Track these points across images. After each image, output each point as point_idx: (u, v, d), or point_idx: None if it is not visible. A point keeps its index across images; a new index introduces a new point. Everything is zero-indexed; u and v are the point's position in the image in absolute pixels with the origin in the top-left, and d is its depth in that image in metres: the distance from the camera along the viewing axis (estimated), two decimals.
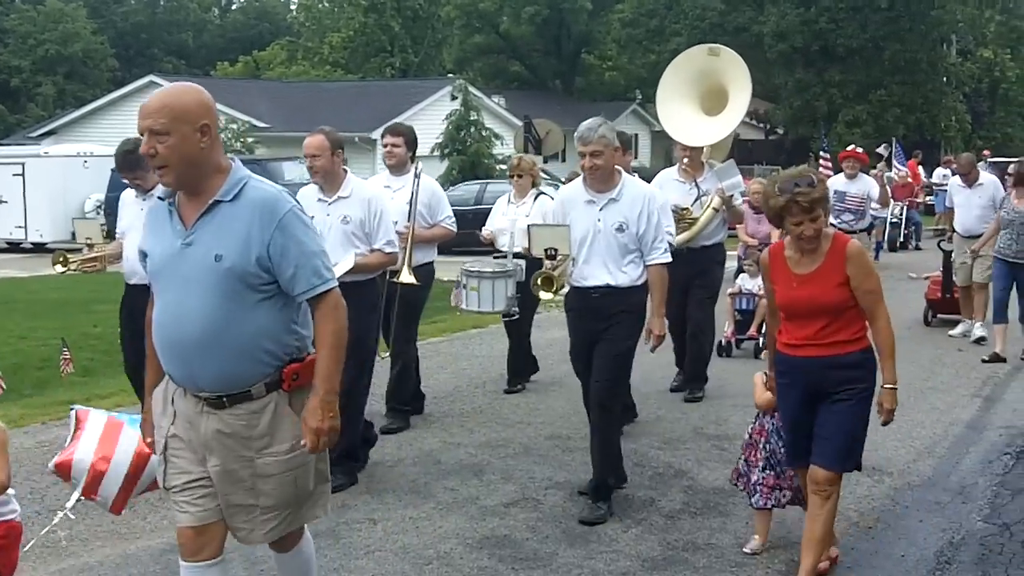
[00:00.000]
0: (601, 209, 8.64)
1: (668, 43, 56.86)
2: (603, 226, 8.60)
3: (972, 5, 58.17)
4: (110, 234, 10.46)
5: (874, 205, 28.17)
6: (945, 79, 59.15)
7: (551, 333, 14.83)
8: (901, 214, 30.95)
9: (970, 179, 16.56)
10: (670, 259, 8.85)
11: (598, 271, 8.62)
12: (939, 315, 17.48)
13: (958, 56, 61.29)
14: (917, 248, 30.93)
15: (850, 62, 56.27)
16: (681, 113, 13.19)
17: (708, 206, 12.30)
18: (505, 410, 11.88)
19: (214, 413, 5.26)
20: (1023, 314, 14.87)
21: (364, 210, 9.15)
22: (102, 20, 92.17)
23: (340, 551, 7.75)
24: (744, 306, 15.64)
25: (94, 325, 17.48)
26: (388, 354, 11.12)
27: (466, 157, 39.89)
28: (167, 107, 5.06)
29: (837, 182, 17.72)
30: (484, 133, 41.33)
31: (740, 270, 16.64)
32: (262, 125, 48.20)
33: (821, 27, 54.84)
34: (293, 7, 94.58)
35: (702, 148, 12.63)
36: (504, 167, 40.07)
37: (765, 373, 7.58)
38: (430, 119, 43.59)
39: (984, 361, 14.50)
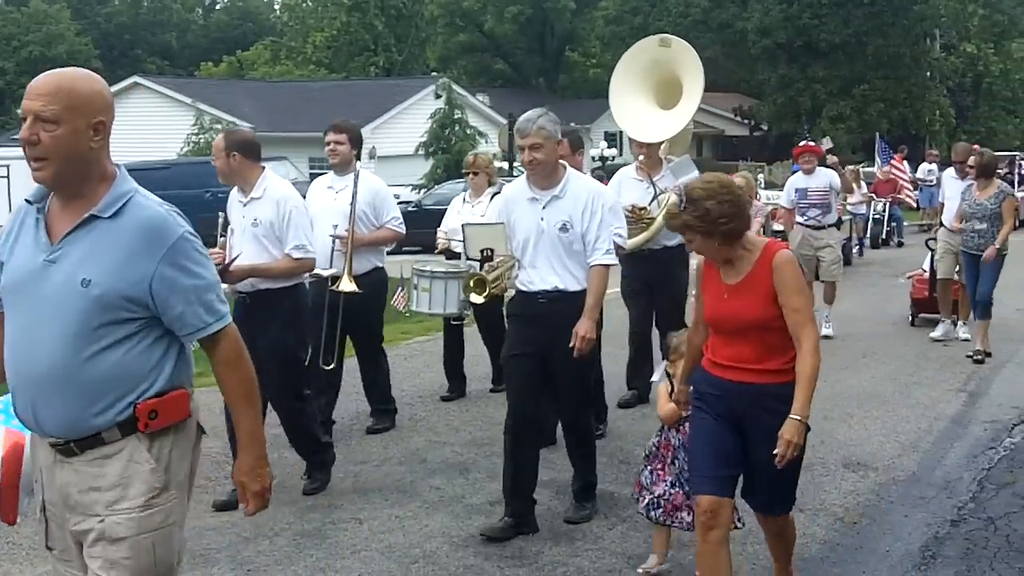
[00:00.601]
0: (544, 207, 8.10)
1: None
2: (547, 225, 8.06)
3: None
4: None
5: (853, 201, 28.40)
6: (928, 74, 59.35)
7: None
8: (883, 210, 30.95)
9: (965, 169, 15.98)
10: (614, 261, 8.28)
11: (545, 274, 8.08)
12: (924, 314, 17.08)
13: (941, 51, 61.49)
14: (900, 245, 30.93)
15: (833, 57, 56.42)
16: (635, 108, 12.36)
17: (665, 205, 11.28)
18: (491, 409, 11.86)
19: (67, 462, 4.41)
20: (977, 307, 14.83)
21: (274, 212, 8.65)
22: (86, 21, 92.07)
23: (326, 551, 7.76)
24: None
25: None
26: (332, 367, 10.38)
27: (451, 156, 39.78)
28: (63, 92, 4.23)
29: (797, 180, 16.91)
30: (468, 131, 41.24)
31: None
32: (246, 125, 48.03)
33: (804, 23, 54.98)
34: (276, 7, 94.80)
35: (659, 144, 11.97)
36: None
37: (669, 380, 7.18)
38: (414, 118, 43.63)
39: (969, 357, 14.36)
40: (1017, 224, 17.45)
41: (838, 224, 17.22)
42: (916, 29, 57.76)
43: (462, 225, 9.30)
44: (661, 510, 7.16)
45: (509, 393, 8.31)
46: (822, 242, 16.38)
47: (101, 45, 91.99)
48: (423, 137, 39.84)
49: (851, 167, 31.63)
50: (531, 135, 7.87)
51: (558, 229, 8.04)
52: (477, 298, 8.40)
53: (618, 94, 12.45)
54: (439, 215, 13.38)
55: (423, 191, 37.34)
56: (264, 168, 8.91)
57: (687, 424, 6.86)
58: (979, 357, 14.29)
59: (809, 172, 16.66)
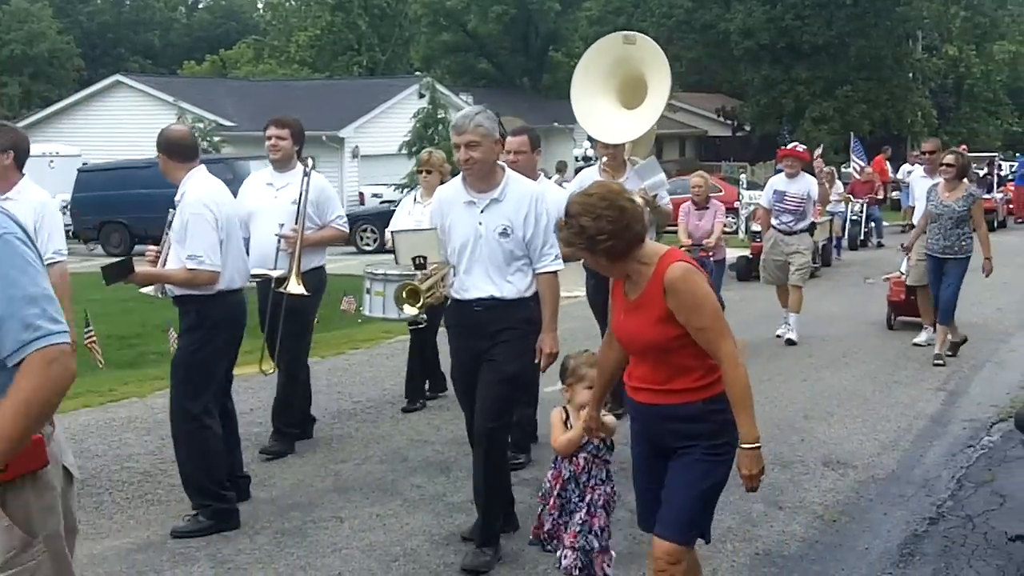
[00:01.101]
0: (483, 211, 7.53)
1: None
2: (485, 230, 7.50)
3: (937, 1, 58.46)
4: (77, 235, 10.07)
5: (833, 197, 28.44)
6: (911, 75, 59.44)
7: None
8: (861, 211, 30.97)
9: (934, 164, 15.63)
10: (561, 266, 7.67)
11: (481, 281, 7.54)
12: (901, 317, 16.93)
13: (924, 52, 61.58)
14: (880, 245, 30.92)
15: (816, 59, 56.49)
16: (598, 108, 11.79)
17: None
18: None
19: None
20: (941, 312, 14.50)
21: (179, 217, 8.06)
22: (68, 20, 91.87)
23: (307, 549, 7.76)
24: None
25: None
26: (273, 371, 10.21)
27: None
28: None
29: (777, 181, 16.68)
30: None
31: None
32: (228, 124, 48.00)
33: (787, 24, 55.03)
34: (260, 6, 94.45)
35: (623, 145, 11.46)
36: None
37: (565, 409, 6.81)
38: (398, 117, 43.53)
39: (948, 355, 14.30)
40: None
41: (811, 230, 16.90)
42: (898, 31, 57.85)
43: (391, 232, 8.92)
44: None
45: (462, 407, 8.02)
46: (792, 248, 16.23)
47: (83, 43, 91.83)
48: (406, 136, 39.77)
49: (826, 168, 31.71)
50: (468, 132, 7.36)
51: (498, 234, 7.51)
52: (411, 309, 8.17)
53: (581, 94, 11.95)
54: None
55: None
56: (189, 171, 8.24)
57: (582, 455, 6.66)
58: (939, 362, 14.13)
59: (791, 176, 16.38)
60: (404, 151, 39.19)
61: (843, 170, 35.93)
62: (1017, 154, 51.32)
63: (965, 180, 14.53)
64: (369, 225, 35.39)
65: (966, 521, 8.23)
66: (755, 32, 55.35)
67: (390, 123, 46.61)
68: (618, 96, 11.73)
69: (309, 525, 8.24)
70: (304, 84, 61.06)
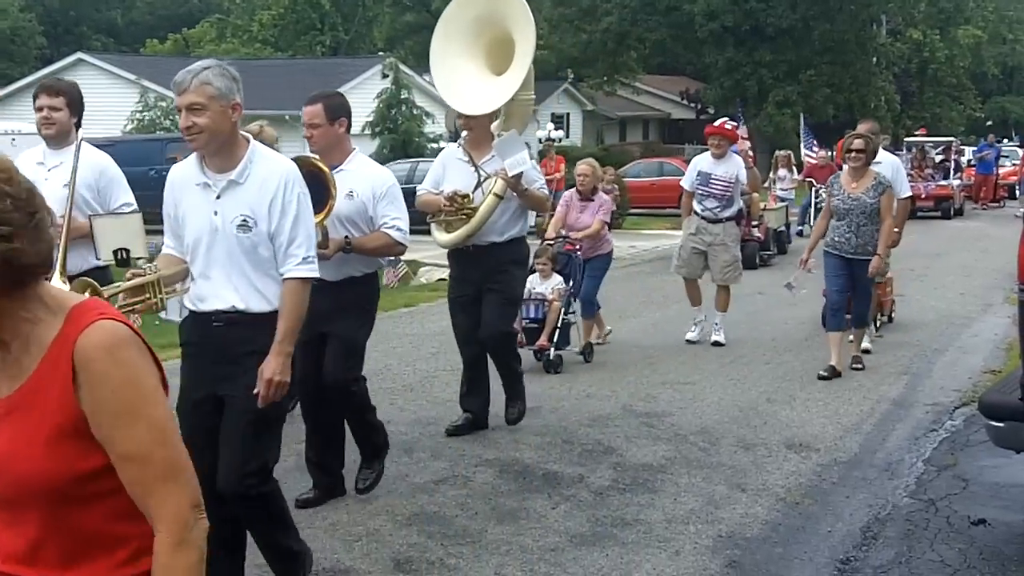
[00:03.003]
0: (219, 197, 5.95)
1: (599, 23, 57.00)
2: (221, 222, 5.94)
3: None
4: None
5: (785, 187, 28.51)
6: (875, 59, 59.60)
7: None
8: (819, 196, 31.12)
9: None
10: (314, 272, 6.12)
11: (220, 288, 6.02)
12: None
13: (888, 36, 61.77)
14: None
15: (780, 42, 56.51)
16: (458, 73, 10.07)
17: (490, 192, 9.59)
18: (435, 388, 11.85)
19: None
20: (857, 317, 13.00)
21: None
22: None
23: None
24: (533, 314, 12.96)
25: None
26: None
27: (397, 136, 39.74)
28: None
29: (702, 162, 14.76)
30: (415, 111, 41.19)
31: (531, 271, 12.70)
32: None
33: (751, 6, 55.03)
34: None
35: (488, 117, 9.92)
36: (435, 146, 40.04)
37: None
38: (361, 97, 43.33)
39: (820, 377, 12.33)
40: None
41: (738, 219, 15.32)
42: (862, 15, 57.98)
43: (89, 216, 7.23)
44: None
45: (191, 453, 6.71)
46: (717, 238, 14.51)
47: (45, 21, 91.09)
48: (370, 117, 39.72)
49: (782, 152, 31.80)
50: (190, 92, 5.74)
51: (237, 227, 5.93)
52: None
53: (440, 57, 10.13)
54: None
55: None
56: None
57: None
58: (858, 365, 12.85)
59: (718, 157, 14.57)
60: (367, 131, 39.11)
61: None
62: (981, 139, 51.58)
63: (872, 168, 12.61)
64: None
65: (929, 505, 8.26)
66: (719, 14, 55.32)
67: (353, 103, 45.35)
68: (486, 60, 10.08)
69: None
70: (266, 63, 60.77)
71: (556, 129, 51.54)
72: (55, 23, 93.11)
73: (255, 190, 5.91)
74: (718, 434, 10.12)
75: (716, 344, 14.37)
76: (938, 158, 38.71)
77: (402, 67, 43.78)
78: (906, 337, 14.81)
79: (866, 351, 13.53)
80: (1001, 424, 7.31)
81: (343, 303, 7.83)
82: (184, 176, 6.08)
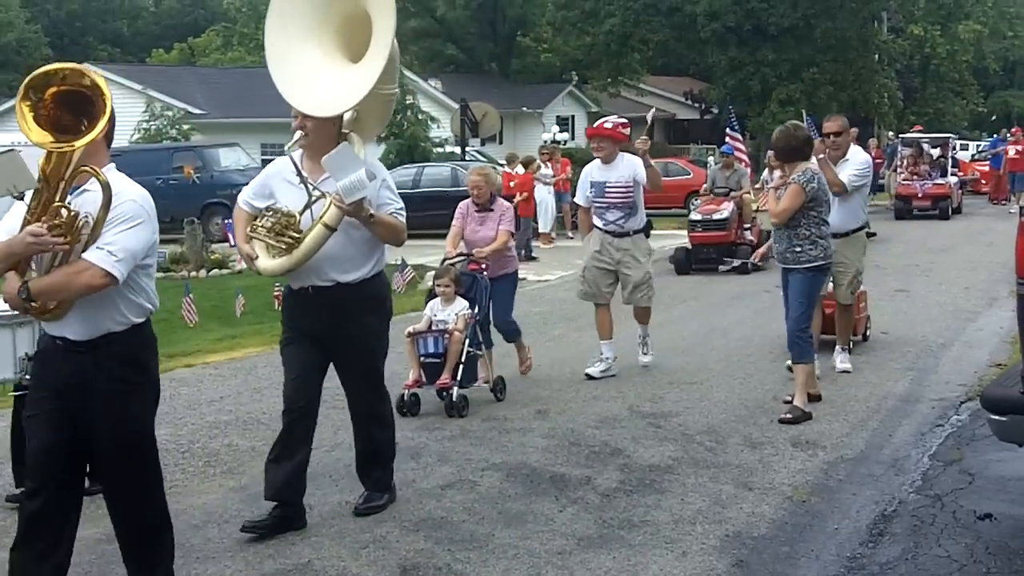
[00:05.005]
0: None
1: (602, 25, 56.97)
2: None
3: None
4: None
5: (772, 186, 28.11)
6: (877, 56, 59.50)
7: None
8: None
9: (840, 148, 12.62)
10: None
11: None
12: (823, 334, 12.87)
13: (889, 33, 61.70)
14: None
15: (782, 41, 56.42)
16: (301, 61, 7.85)
17: (319, 219, 7.56)
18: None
19: None
20: (788, 343, 11.12)
21: None
22: (36, 9, 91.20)
23: (275, 536, 7.71)
24: (431, 348, 11.34)
25: None
26: None
27: (403, 141, 39.76)
28: None
29: (592, 171, 12.81)
30: (420, 116, 41.25)
31: (432, 295, 11.94)
32: (197, 112, 47.99)
33: (753, 6, 54.95)
34: None
35: (335, 120, 7.80)
36: (441, 150, 40.09)
37: None
38: None
39: (786, 402, 10.85)
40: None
41: (646, 231, 13.35)
42: (864, 12, 57.84)
43: None
44: None
45: None
46: (626, 254, 12.72)
47: (51, 33, 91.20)
48: None
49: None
50: None
51: None
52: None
53: (276, 41, 7.92)
54: None
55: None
56: None
57: None
58: (786, 416, 10.57)
59: (608, 161, 12.62)
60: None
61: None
62: (987, 135, 51.45)
63: (802, 163, 10.91)
64: None
65: (935, 500, 8.25)
66: (721, 14, 55.25)
67: None
68: (338, 46, 7.88)
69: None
70: None
71: (561, 131, 51.69)
72: (61, 34, 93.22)
73: None
74: (725, 433, 10.14)
75: (646, 368, 12.93)
76: (934, 154, 38.00)
77: (407, 72, 43.81)
78: (911, 332, 14.79)
79: (845, 371, 12.46)
80: (1003, 418, 7.31)
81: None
82: None
